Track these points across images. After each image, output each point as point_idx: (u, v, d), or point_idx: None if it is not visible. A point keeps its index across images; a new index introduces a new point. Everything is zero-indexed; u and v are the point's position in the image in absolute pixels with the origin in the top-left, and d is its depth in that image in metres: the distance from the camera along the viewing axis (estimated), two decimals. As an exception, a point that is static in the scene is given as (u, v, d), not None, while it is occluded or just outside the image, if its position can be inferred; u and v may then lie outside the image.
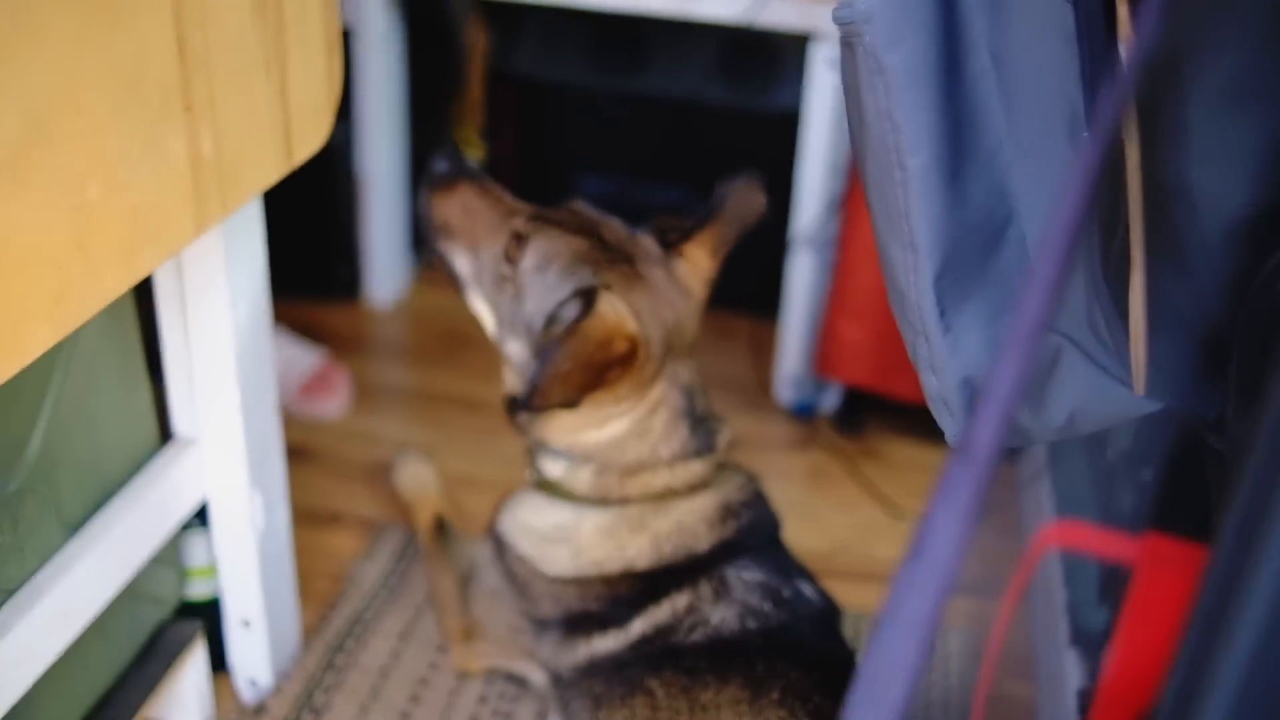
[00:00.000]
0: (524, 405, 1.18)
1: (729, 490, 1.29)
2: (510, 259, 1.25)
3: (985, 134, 0.65)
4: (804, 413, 2.09)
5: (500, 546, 1.36)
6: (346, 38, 2.15)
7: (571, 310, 1.19)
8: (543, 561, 1.30)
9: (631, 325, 1.19)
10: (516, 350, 1.28)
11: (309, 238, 2.29)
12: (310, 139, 1.17)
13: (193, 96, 0.95)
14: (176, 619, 1.36)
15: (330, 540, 1.73)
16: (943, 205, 0.66)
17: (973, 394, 0.69)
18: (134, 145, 0.89)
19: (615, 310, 1.18)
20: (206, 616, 1.40)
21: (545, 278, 1.23)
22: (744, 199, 1.29)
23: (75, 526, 1.14)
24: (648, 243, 1.29)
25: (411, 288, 2.43)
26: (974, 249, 0.67)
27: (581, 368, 1.15)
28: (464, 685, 1.48)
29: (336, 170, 2.23)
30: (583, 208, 1.31)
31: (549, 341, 1.18)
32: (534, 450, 1.33)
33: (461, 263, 1.32)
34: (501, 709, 1.45)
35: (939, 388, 0.71)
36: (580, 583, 1.27)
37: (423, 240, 2.43)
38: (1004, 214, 0.67)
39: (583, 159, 2.35)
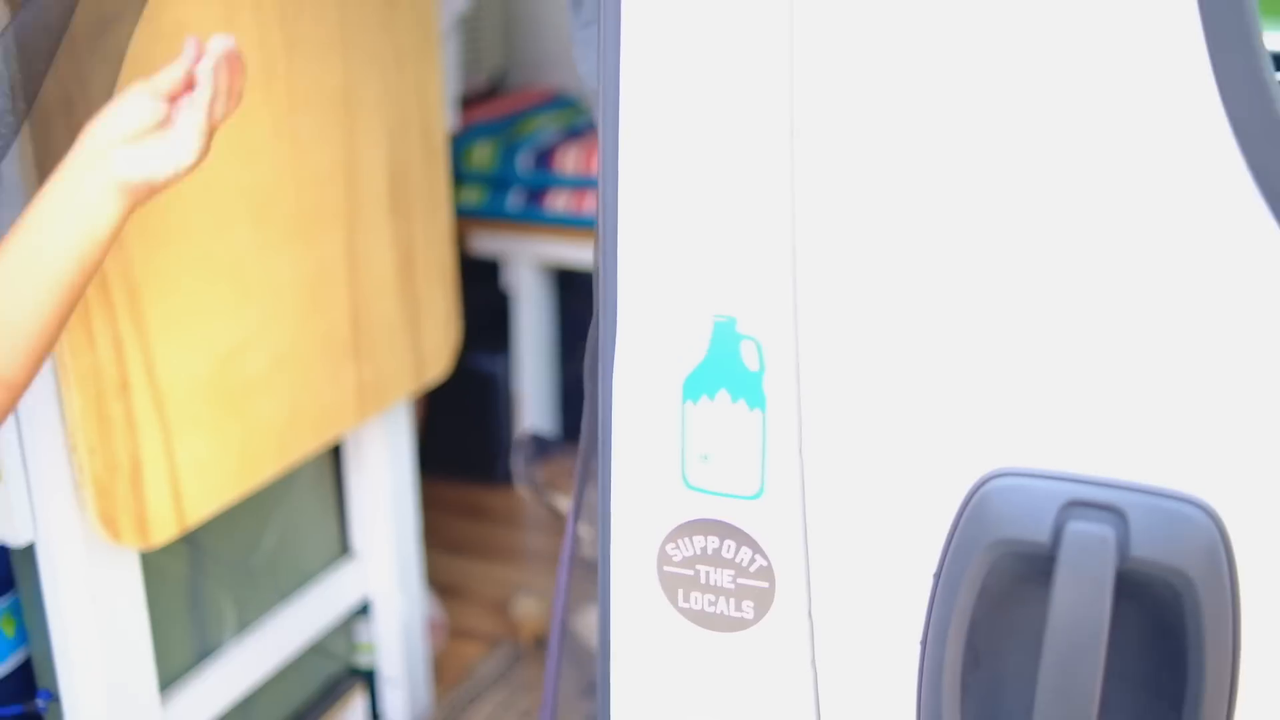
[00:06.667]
0: None
1: None
2: None
3: None
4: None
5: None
6: (507, 299, 3.03)
7: None
8: None
9: None
10: None
11: (479, 439, 3.11)
12: (435, 370, 1.96)
13: (359, 348, 1.76)
14: (347, 675, 2.10)
15: (466, 647, 2.45)
16: None
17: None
18: (325, 375, 1.69)
19: None
20: (369, 680, 2.14)
21: None
22: None
23: (286, 595, 1.92)
24: None
25: (554, 479, 3.21)
26: None
27: None
28: (535, 741, 2.15)
29: (499, 391, 3.07)
30: None
31: None
32: None
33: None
34: (557, 757, 2.11)
35: None
36: None
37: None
38: None
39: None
